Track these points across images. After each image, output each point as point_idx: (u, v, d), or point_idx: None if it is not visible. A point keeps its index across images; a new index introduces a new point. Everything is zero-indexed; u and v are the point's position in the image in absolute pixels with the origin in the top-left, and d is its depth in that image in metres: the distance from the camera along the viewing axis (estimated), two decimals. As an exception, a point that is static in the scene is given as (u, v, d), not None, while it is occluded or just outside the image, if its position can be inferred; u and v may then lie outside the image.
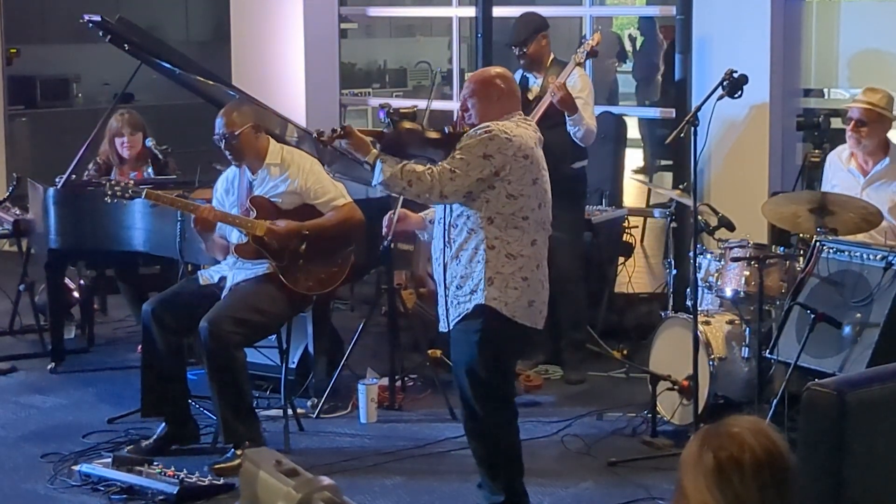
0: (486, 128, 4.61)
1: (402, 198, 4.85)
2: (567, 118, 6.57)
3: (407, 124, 4.69)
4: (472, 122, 4.71)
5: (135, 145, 7.18)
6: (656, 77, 12.81)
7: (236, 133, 5.64)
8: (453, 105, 9.54)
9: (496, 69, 4.96)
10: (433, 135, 4.73)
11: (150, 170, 7.20)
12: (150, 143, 7.16)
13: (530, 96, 6.83)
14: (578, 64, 6.68)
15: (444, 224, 4.68)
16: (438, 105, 10.63)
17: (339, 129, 4.59)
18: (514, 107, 4.77)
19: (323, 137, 4.63)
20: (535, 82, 6.91)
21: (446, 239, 4.67)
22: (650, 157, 12.16)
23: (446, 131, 4.73)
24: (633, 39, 14.55)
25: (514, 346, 4.88)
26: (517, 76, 7.07)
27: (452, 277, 4.67)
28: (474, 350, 4.64)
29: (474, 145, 4.56)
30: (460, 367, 4.70)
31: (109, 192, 5.81)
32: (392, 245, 6.32)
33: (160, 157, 7.14)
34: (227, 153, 5.73)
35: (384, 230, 5.16)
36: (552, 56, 6.94)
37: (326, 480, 1.53)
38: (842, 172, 6.07)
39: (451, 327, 4.73)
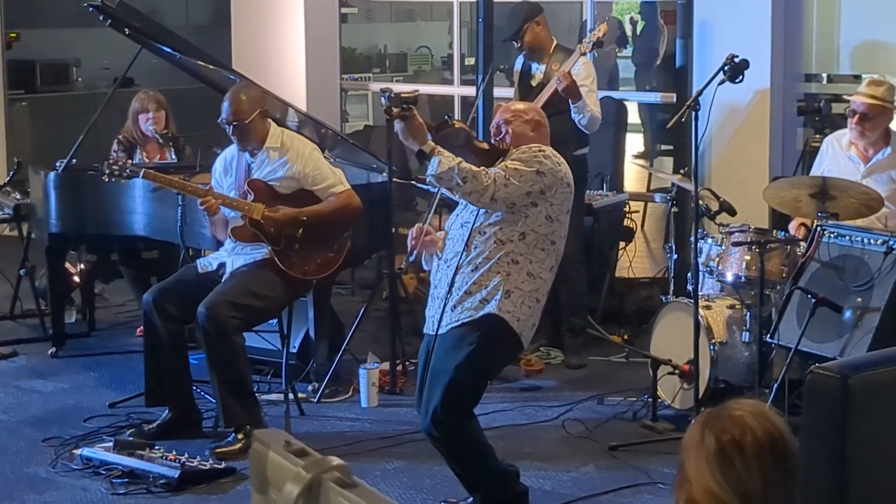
0: (538, 147, 4.66)
1: (432, 210, 4.84)
2: (571, 105, 6.57)
3: (459, 124, 4.77)
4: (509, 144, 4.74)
5: (159, 122, 7.10)
6: (656, 62, 12.79)
7: (247, 122, 5.63)
8: (453, 90, 9.55)
9: (527, 104, 5.11)
10: (482, 144, 4.78)
11: (173, 153, 7.16)
12: (150, 127, 7.12)
13: (533, 83, 6.83)
14: (584, 54, 6.68)
15: (470, 228, 4.63)
16: (440, 90, 10.64)
17: (406, 109, 4.53)
18: (545, 142, 4.78)
19: (392, 112, 4.58)
20: (539, 69, 6.90)
21: (467, 243, 4.62)
22: (651, 142, 12.16)
23: (493, 143, 4.76)
24: (633, 24, 14.52)
25: (504, 362, 5.01)
26: (519, 63, 7.08)
27: (463, 283, 4.61)
28: (466, 357, 4.53)
29: (528, 159, 4.59)
30: (442, 372, 4.56)
31: (107, 171, 5.79)
32: (396, 230, 6.24)
33: (160, 141, 7.10)
34: (233, 138, 5.71)
35: (411, 241, 4.86)
36: (555, 42, 6.91)
37: (336, 460, 1.53)
38: (842, 158, 6.07)
39: (441, 331, 4.61)
